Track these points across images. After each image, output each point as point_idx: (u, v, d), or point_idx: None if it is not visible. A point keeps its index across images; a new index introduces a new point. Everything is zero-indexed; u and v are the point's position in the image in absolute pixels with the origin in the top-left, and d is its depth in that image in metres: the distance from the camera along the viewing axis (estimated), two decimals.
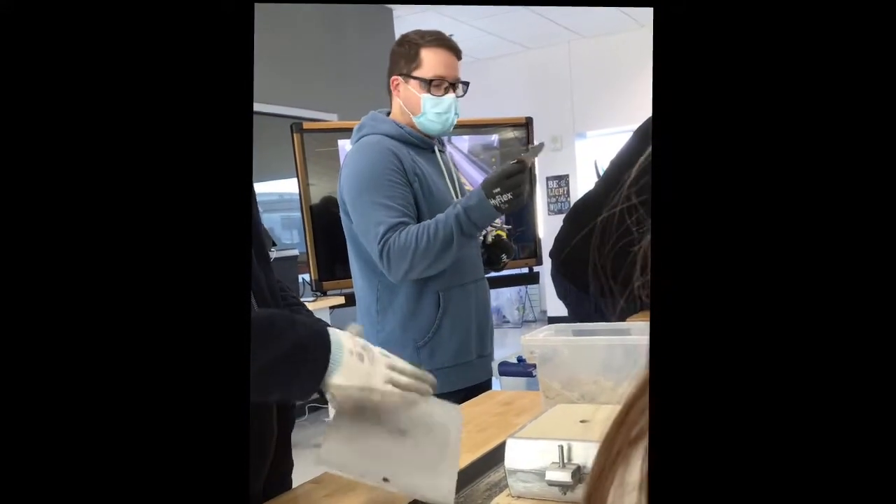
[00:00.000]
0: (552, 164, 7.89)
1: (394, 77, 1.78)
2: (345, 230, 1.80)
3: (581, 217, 2.38)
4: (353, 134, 1.83)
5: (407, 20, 5.95)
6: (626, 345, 1.14)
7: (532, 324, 8.11)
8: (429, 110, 1.74)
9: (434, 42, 1.74)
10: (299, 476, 1.14)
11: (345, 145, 2.98)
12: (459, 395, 1.62)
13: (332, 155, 3.19)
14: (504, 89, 7.73)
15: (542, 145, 1.80)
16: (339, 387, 0.87)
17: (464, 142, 3.40)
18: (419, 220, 1.68)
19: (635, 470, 0.25)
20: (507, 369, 4.66)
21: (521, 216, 3.32)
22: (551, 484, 0.85)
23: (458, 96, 1.77)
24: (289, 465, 1.14)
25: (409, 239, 1.61)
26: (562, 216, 2.55)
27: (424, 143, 1.79)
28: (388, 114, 1.81)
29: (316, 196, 3.12)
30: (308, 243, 3.12)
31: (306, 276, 3.36)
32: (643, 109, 2.21)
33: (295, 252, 3.86)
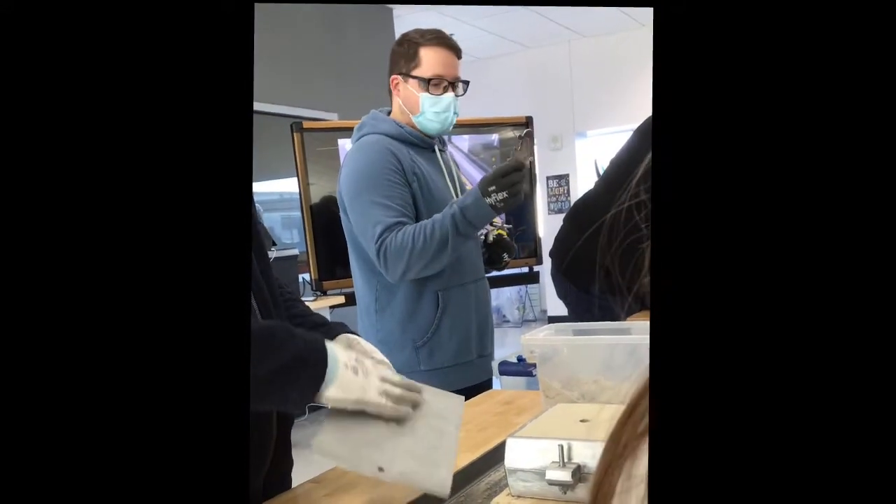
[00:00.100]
0: (552, 163, 7.89)
1: (393, 76, 1.78)
2: (345, 230, 1.80)
3: (581, 217, 2.38)
4: (354, 133, 1.83)
5: (407, 19, 5.95)
6: (627, 344, 1.14)
7: (532, 323, 8.12)
8: (427, 109, 1.74)
9: (433, 41, 1.73)
10: (299, 475, 1.14)
11: (345, 145, 2.98)
12: (459, 395, 1.62)
13: (332, 154, 3.19)
14: (504, 89, 7.73)
15: (529, 134, 1.78)
16: (335, 399, 0.90)
17: (464, 141, 3.40)
18: (418, 219, 1.68)
19: (642, 463, 0.25)
20: (507, 369, 4.67)
21: (521, 215, 3.31)
22: (551, 483, 0.85)
23: (457, 95, 1.76)
24: (288, 464, 1.14)
25: (405, 239, 1.61)
26: (562, 215, 2.55)
27: (424, 143, 1.79)
28: (389, 113, 1.81)
29: (316, 195, 3.12)
30: (308, 243, 3.12)
31: (306, 276, 3.36)
32: (643, 109, 2.22)
33: (295, 251, 3.86)
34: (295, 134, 3.14)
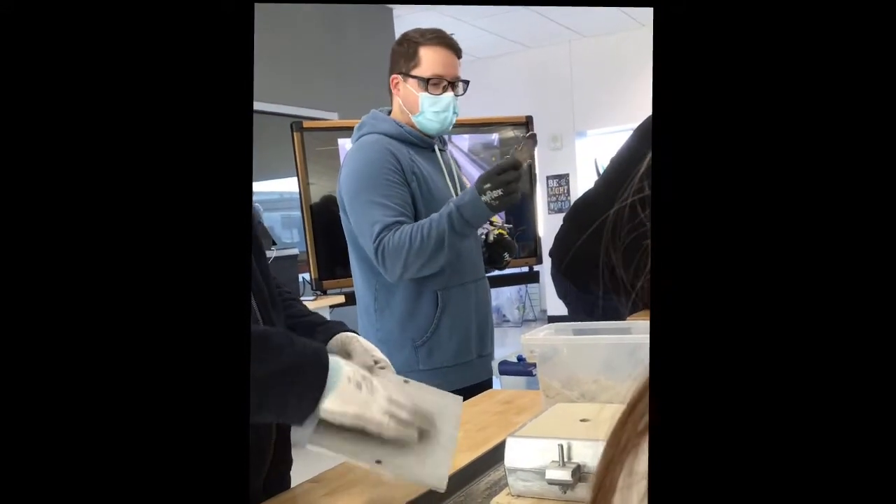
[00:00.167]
0: (552, 162, 7.89)
1: (393, 76, 1.77)
2: (344, 229, 1.80)
3: (581, 216, 2.38)
4: (354, 133, 1.83)
5: (407, 19, 5.95)
6: (627, 344, 1.14)
7: (532, 323, 8.12)
8: (427, 109, 1.73)
9: (433, 40, 1.73)
10: (299, 474, 1.14)
11: (345, 144, 2.98)
12: (459, 395, 1.62)
13: (332, 154, 3.19)
14: (504, 88, 7.73)
15: (533, 137, 1.77)
16: (332, 412, 0.85)
17: (464, 141, 3.40)
18: (417, 219, 1.68)
19: (643, 460, 0.25)
20: (507, 368, 4.67)
21: (521, 215, 3.32)
22: (551, 483, 0.85)
23: (457, 95, 1.76)
24: (288, 463, 1.14)
25: (403, 238, 1.61)
26: (562, 215, 2.55)
27: (424, 143, 1.79)
28: (390, 113, 1.81)
29: (316, 195, 3.12)
30: (308, 242, 3.12)
31: (306, 275, 3.36)
32: (643, 108, 2.22)
33: (295, 251, 3.86)
34: (295, 133, 3.14)
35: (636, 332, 1.20)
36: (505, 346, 5.88)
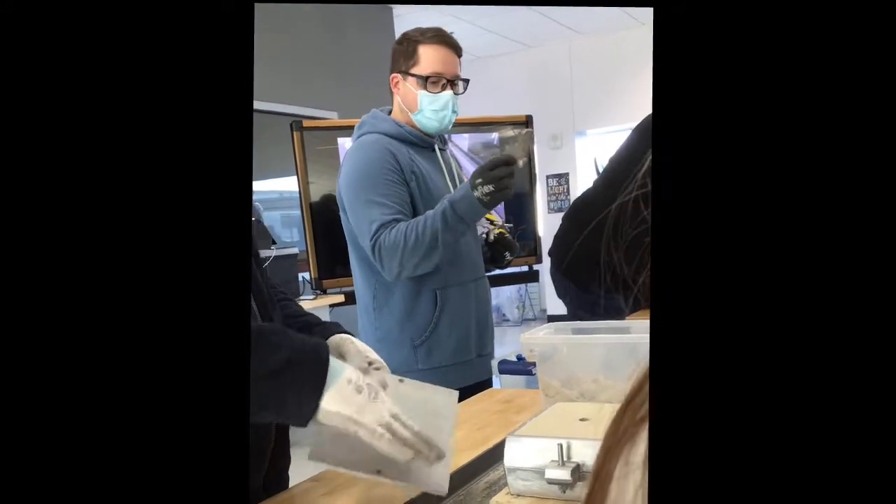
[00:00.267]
0: (552, 162, 7.89)
1: (393, 75, 1.77)
2: (344, 228, 1.80)
3: (580, 215, 2.38)
4: (354, 132, 1.83)
5: (407, 18, 5.95)
6: (626, 343, 1.14)
7: (532, 322, 8.12)
8: (426, 107, 1.73)
9: (433, 39, 1.73)
10: (299, 474, 1.14)
11: (345, 143, 2.98)
12: (458, 394, 1.62)
13: (331, 153, 3.19)
14: (504, 87, 7.73)
15: (528, 133, 1.75)
16: (328, 412, 0.84)
17: (464, 140, 3.40)
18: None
19: (640, 449, 0.25)
20: (506, 367, 4.67)
21: (521, 214, 3.32)
22: (551, 482, 0.85)
23: (456, 93, 1.76)
24: (286, 461, 1.14)
25: (398, 236, 1.60)
26: (562, 214, 2.55)
27: (424, 142, 1.79)
28: (390, 112, 1.81)
29: (316, 194, 3.12)
30: (308, 241, 3.12)
31: (306, 275, 3.36)
32: (643, 108, 2.22)
33: (295, 250, 3.86)
34: (295, 133, 3.14)
35: (635, 332, 1.20)
36: (504, 346, 5.88)
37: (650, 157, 0.25)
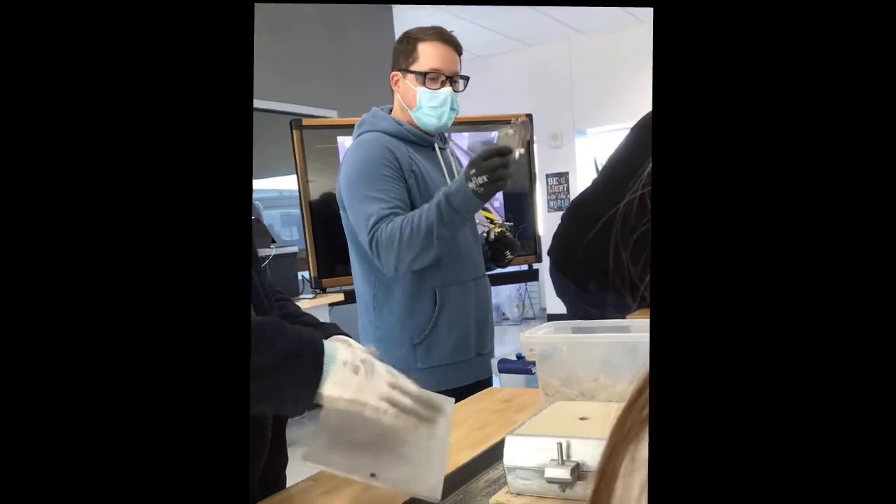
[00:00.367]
0: (552, 161, 7.90)
1: (393, 73, 1.77)
2: (344, 226, 1.80)
3: (579, 214, 2.38)
4: (354, 130, 1.83)
5: (407, 17, 5.95)
6: (626, 342, 1.14)
7: (531, 321, 8.12)
8: (424, 104, 1.73)
9: (432, 36, 1.73)
10: (297, 473, 1.14)
11: (344, 142, 2.98)
12: (458, 393, 1.62)
13: (331, 152, 3.19)
14: (504, 86, 7.73)
15: (524, 123, 1.71)
16: (330, 397, 0.85)
17: (463, 139, 3.40)
18: None
19: (646, 447, 0.25)
20: (506, 366, 4.67)
21: (520, 213, 3.32)
22: (550, 481, 0.85)
23: (456, 91, 1.76)
24: (283, 461, 1.14)
25: (394, 229, 1.59)
26: (562, 213, 2.55)
27: (423, 141, 1.79)
28: (391, 111, 1.81)
29: (315, 193, 3.12)
30: (307, 240, 3.12)
31: (306, 273, 3.36)
32: (643, 107, 2.21)
33: (294, 249, 3.86)
34: (294, 131, 3.14)
35: (635, 331, 1.20)
36: (504, 345, 5.88)
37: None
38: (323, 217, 3.07)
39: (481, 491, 0.98)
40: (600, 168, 2.68)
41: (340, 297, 3.48)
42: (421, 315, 1.74)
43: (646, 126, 2.26)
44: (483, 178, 1.54)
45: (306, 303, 3.37)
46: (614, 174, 2.27)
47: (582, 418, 0.94)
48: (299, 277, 3.72)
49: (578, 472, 0.83)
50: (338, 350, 0.88)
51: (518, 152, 1.60)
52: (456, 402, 1.44)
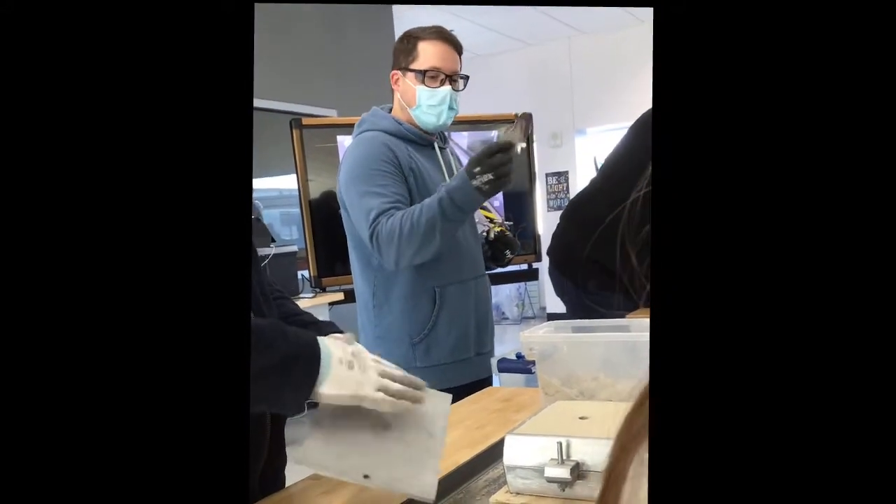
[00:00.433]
0: (552, 160, 7.89)
1: (393, 71, 1.78)
2: (344, 225, 1.80)
3: (578, 214, 2.38)
4: (354, 129, 1.83)
5: (407, 17, 5.94)
6: (626, 341, 1.14)
7: (531, 320, 8.12)
8: (423, 102, 1.73)
9: (433, 35, 1.73)
10: (296, 472, 1.14)
11: (344, 141, 2.98)
12: (458, 392, 1.61)
13: (331, 151, 3.18)
14: (504, 86, 7.73)
15: (525, 117, 1.69)
16: (330, 396, 0.86)
17: (463, 138, 3.39)
18: None
19: None
20: (506, 366, 4.67)
21: (520, 212, 3.31)
22: (550, 480, 0.85)
23: (456, 90, 1.76)
24: (282, 461, 1.14)
25: (394, 224, 1.59)
26: (561, 213, 2.55)
27: (423, 140, 1.79)
28: (391, 110, 1.81)
29: (315, 192, 3.12)
30: (307, 239, 3.12)
31: (305, 273, 3.35)
32: (643, 106, 2.21)
33: (294, 248, 3.86)
34: (294, 130, 3.14)
35: (635, 330, 1.20)
36: (504, 344, 5.88)
37: None
38: (323, 216, 3.07)
39: (481, 490, 0.98)
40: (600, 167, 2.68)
41: (340, 296, 3.47)
42: (420, 314, 1.74)
43: (643, 125, 2.25)
44: (489, 176, 1.53)
45: (306, 302, 3.37)
46: (613, 173, 2.26)
47: (582, 417, 0.94)
48: (299, 276, 3.71)
49: (578, 471, 0.83)
50: (331, 349, 0.89)
51: (519, 147, 1.59)
52: (455, 400, 1.44)
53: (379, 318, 1.78)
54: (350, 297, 2.56)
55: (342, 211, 1.77)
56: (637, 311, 1.40)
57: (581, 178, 7.69)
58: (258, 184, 5.13)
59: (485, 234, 1.94)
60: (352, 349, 0.91)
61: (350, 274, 1.89)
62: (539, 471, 0.86)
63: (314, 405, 0.87)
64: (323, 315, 3.05)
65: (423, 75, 1.72)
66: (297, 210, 3.27)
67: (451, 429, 1.21)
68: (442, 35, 1.74)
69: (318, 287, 3.24)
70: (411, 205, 1.68)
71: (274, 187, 5.41)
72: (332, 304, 3.56)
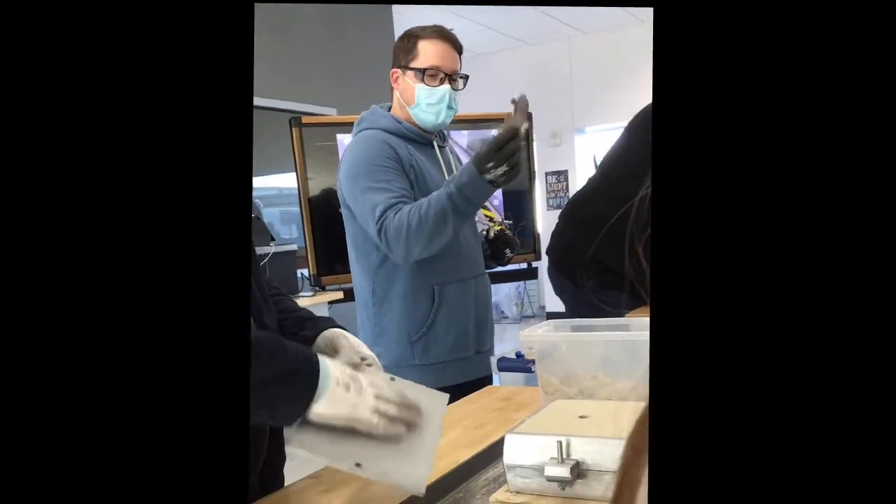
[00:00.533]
0: (551, 159, 7.90)
1: (393, 70, 1.78)
2: (344, 223, 1.80)
3: (576, 213, 2.38)
4: (353, 128, 1.83)
5: (407, 15, 5.94)
6: (625, 340, 1.14)
7: (531, 319, 8.12)
8: (422, 101, 1.73)
9: (433, 34, 1.73)
10: (296, 471, 1.14)
11: (343, 139, 2.98)
12: (457, 391, 1.62)
13: (330, 149, 3.18)
14: (504, 84, 7.71)
15: (522, 99, 1.67)
16: (323, 416, 0.86)
17: (462, 136, 3.39)
18: None
19: None
20: (505, 365, 4.67)
21: (520, 211, 3.31)
22: (550, 479, 0.85)
23: (455, 89, 1.76)
24: (281, 460, 1.14)
25: (401, 219, 1.59)
26: (559, 212, 2.55)
27: (422, 138, 1.79)
28: (390, 109, 1.81)
29: (315, 190, 3.12)
30: (307, 238, 3.12)
31: (305, 271, 3.35)
32: (642, 105, 2.21)
33: (294, 247, 3.86)
34: (293, 129, 3.14)
35: (634, 329, 1.20)
36: (503, 343, 5.88)
37: None
38: (322, 215, 3.07)
39: (481, 489, 0.98)
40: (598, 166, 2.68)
41: (340, 294, 3.47)
42: (419, 312, 1.74)
43: (639, 124, 2.25)
44: (503, 168, 1.54)
45: (305, 300, 3.37)
46: (610, 172, 2.26)
47: (582, 416, 0.94)
48: (298, 275, 3.71)
49: (578, 470, 0.83)
50: (330, 369, 0.89)
51: (523, 128, 1.57)
52: (455, 399, 1.44)
53: (378, 316, 1.78)
54: (349, 295, 2.56)
55: (342, 209, 1.77)
56: (636, 309, 1.40)
57: (580, 177, 7.69)
58: (258, 182, 5.14)
59: (484, 232, 1.95)
60: (350, 371, 0.91)
61: (349, 273, 1.89)
62: (539, 470, 0.86)
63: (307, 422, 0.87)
64: (322, 314, 3.05)
65: (422, 74, 1.72)
66: (297, 208, 3.27)
67: (451, 428, 1.21)
68: (442, 34, 1.74)
69: (318, 286, 3.24)
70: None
71: (273, 186, 5.41)
72: (331, 302, 3.56)
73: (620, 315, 1.62)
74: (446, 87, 1.73)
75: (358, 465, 0.87)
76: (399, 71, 1.76)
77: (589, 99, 7.71)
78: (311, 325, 1.12)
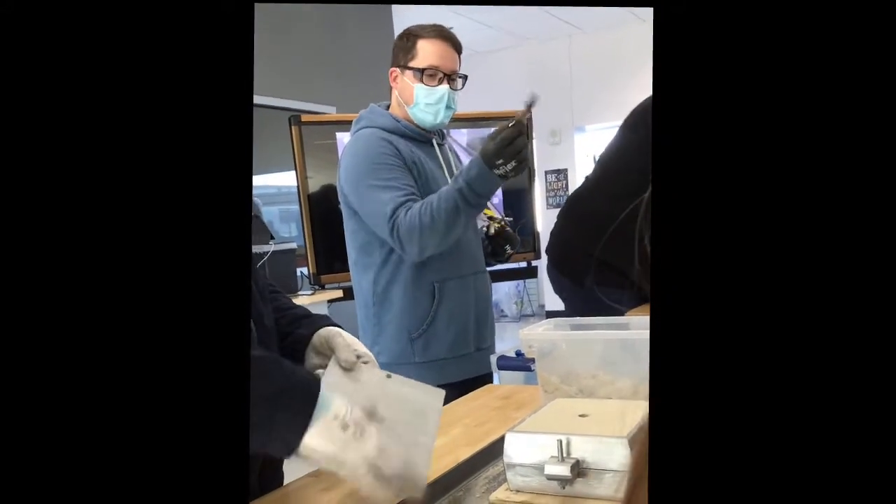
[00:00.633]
0: (551, 158, 7.90)
1: (392, 69, 1.78)
2: (344, 222, 1.80)
3: (574, 211, 2.38)
4: (352, 127, 1.83)
5: (406, 16, 5.94)
6: (624, 339, 1.14)
7: (530, 318, 8.13)
8: (421, 100, 1.73)
9: (432, 33, 1.73)
10: (295, 470, 1.14)
11: (343, 138, 2.97)
12: (458, 388, 1.62)
13: (330, 148, 3.18)
14: (503, 83, 7.71)
15: (533, 96, 1.68)
16: (311, 448, 0.81)
17: (462, 135, 3.39)
18: None
19: None
20: (505, 363, 4.66)
21: (519, 209, 3.31)
22: (550, 478, 0.85)
23: (454, 89, 1.76)
24: (281, 458, 1.14)
25: (412, 218, 1.60)
26: (559, 210, 2.54)
27: (421, 137, 1.79)
28: (388, 107, 1.81)
29: (314, 189, 3.12)
30: (306, 237, 3.12)
31: (304, 270, 3.35)
32: None
33: (293, 245, 3.86)
34: (293, 127, 3.14)
35: (634, 328, 1.20)
36: (503, 341, 5.87)
37: None
38: (322, 213, 3.07)
39: (480, 488, 0.98)
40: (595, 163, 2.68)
41: (339, 293, 3.47)
42: (419, 309, 1.74)
43: (634, 120, 2.25)
44: (512, 164, 1.56)
45: (305, 299, 3.36)
46: (607, 169, 2.26)
47: (581, 415, 0.94)
48: (298, 274, 3.71)
49: (578, 468, 0.83)
50: (333, 401, 0.84)
51: (525, 119, 1.59)
52: (455, 397, 1.44)
53: (378, 314, 1.78)
54: (349, 294, 2.56)
55: (342, 207, 1.77)
56: (636, 308, 1.40)
57: (580, 176, 7.69)
58: (257, 181, 5.14)
59: (485, 229, 1.94)
60: (359, 416, 0.84)
61: (348, 271, 1.89)
62: (539, 468, 0.86)
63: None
64: (322, 312, 3.05)
65: (421, 73, 1.72)
66: (296, 207, 3.27)
67: (451, 426, 1.22)
68: (441, 34, 1.74)
69: (318, 284, 3.24)
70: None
71: (273, 184, 5.41)
72: (331, 301, 3.56)
73: (622, 312, 1.62)
74: (445, 87, 1.73)
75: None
76: (398, 70, 1.76)
77: (589, 97, 7.71)
78: (308, 324, 1.11)
